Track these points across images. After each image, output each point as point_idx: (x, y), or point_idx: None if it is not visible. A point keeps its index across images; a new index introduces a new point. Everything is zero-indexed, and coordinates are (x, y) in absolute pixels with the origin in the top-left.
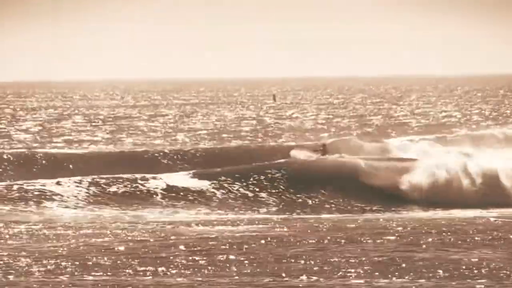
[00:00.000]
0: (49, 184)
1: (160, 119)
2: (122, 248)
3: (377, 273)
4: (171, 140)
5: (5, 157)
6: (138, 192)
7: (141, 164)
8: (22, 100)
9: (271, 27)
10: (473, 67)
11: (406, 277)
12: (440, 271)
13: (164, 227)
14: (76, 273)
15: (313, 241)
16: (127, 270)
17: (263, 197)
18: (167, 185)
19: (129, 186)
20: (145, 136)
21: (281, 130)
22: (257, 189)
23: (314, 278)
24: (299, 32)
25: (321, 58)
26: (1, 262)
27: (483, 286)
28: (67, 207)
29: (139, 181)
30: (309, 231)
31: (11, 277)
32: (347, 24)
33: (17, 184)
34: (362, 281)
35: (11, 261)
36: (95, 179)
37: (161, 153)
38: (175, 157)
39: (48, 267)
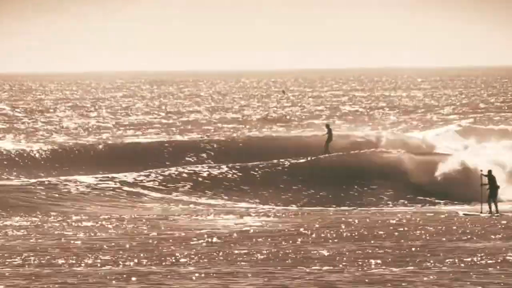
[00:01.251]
0: None
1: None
2: None
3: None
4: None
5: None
6: None
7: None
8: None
9: (271, 26)
10: (475, 61)
11: None
12: None
13: None
14: None
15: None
16: None
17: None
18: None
19: None
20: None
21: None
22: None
23: None
24: (299, 31)
25: (321, 57)
26: None
27: None
28: None
29: None
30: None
31: None
32: (347, 21)
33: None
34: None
35: None
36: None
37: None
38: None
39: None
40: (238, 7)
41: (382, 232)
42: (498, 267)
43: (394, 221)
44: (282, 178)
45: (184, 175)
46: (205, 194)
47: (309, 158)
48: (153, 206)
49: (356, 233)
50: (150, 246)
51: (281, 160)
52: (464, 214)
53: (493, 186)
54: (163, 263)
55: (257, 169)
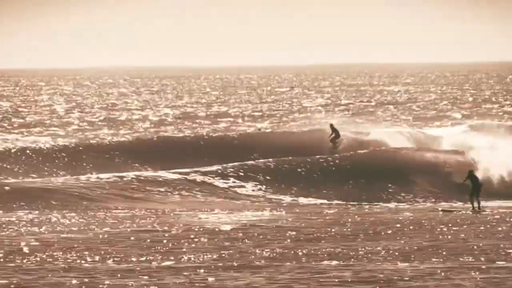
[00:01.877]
0: None
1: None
2: None
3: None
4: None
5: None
6: None
7: None
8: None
9: (271, 26)
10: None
11: None
12: None
13: None
14: None
15: None
16: None
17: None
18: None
19: None
20: None
21: None
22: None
23: None
24: (298, 30)
25: (321, 57)
26: None
27: None
28: None
29: None
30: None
31: None
32: (347, 20)
33: None
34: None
35: None
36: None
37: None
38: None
39: None
40: (239, 6)
41: (389, 230)
42: (497, 263)
43: (394, 219)
44: (312, 174)
45: (211, 171)
46: (236, 189)
47: (338, 155)
48: (182, 201)
49: (371, 230)
50: (159, 241)
51: (319, 156)
52: (442, 210)
53: (476, 184)
54: (173, 258)
55: (288, 165)
